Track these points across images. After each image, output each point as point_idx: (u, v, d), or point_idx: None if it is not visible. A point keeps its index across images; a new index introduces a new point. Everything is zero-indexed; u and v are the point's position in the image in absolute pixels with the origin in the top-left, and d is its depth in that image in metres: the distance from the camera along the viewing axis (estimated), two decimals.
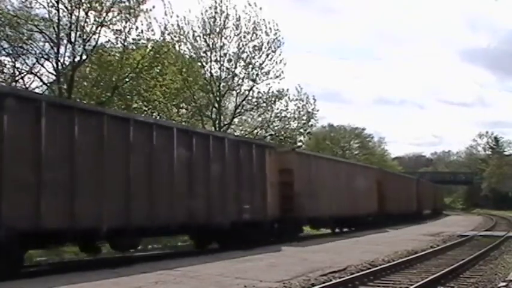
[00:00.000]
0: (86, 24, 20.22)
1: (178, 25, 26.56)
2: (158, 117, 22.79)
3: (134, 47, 22.32)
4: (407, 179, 43.99)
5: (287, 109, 30.98)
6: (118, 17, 20.76)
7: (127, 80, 21.92)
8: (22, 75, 22.00)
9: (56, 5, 19.69)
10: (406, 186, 40.06)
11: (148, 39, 22.29)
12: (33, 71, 21.79)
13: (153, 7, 21.68)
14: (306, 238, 20.42)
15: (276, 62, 28.47)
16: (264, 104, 30.31)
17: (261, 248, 15.18)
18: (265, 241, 16.52)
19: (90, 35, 20.50)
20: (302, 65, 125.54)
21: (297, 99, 31.42)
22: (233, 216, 15.18)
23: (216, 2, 27.01)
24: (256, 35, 27.74)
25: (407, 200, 38.66)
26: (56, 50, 20.38)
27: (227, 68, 28.03)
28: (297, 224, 20.21)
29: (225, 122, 29.79)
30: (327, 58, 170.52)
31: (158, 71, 23.41)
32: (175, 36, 26.00)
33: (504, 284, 9.18)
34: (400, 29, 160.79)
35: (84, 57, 20.81)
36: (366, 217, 27.58)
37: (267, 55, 28.23)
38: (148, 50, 22.55)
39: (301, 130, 32.28)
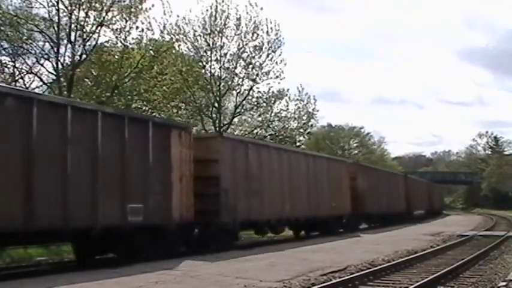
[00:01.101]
0: (85, 24, 20.25)
1: (177, 24, 26.61)
2: (158, 117, 22.78)
3: (134, 47, 22.33)
4: (393, 175, 39.03)
5: (287, 109, 31.05)
6: (118, 17, 20.78)
7: (127, 79, 21.92)
8: (22, 75, 22.05)
9: (56, 4, 19.72)
10: (391, 183, 34.94)
11: (148, 39, 22.35)
12: (33, 71, 21.85)
13: (153, 5, 21.71)
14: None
15: (276, 62, 28.48)
16: (264, 104, 30.33)
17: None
18: (167, 252, 12.74)
19: (90, 34, 20.54)
20: (301, 65, 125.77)
21: (297, 99, 31.49)
22: (110, 218, 11.22)
23: (216, 2, 27.05)
24: (257, 34, 27.77)
25: (392, 198, 33.84)
26: (56, 50, 20.41)
27: (227, 68, 28.04)
28: (227, 230, 15.35)
29: (225, 122, 29.79)
30: (326, 58, 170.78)
31: (158, 70, 23.41)
32: (174, 36, 26.04)
33: (504, 283, 9.18)
34: (399, 29, 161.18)
35: (84, 56, 20.82)
36: (337, 218, 23.49)
37: (268, 55, 28.25)
38: (148, 49, 22.57)
39: (301, 130, 32.33)
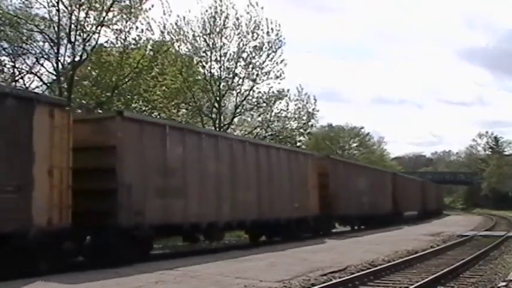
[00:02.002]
0: (86, 24, 20.27)
1: (177, 25, 26.61)
2: (158, 117, 22.81)
3: (134, 47, 22.34)
4: (378, 172, 34.34)
5: (287, 109, 31.08)
6: (118, 17, 20.80)
7: (127, 80, 21.93)
8: (22, 75, 22.06)
9: (56, 4, 19.74)
10: (376, 181, 30.96)
11: (148, 39, 22.37)
12: (33, 71, 21.86)
13: (152, 6, 21.73)
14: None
15: (277, 63, 28.54)
16: (264, 104, 30.35)
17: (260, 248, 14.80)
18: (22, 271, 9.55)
19: (90, 34, 20.56)
20: (301, 65, 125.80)
21: (297, 99, 31.52)
22: None
23: (216, 2, 27.06)
24: (257, 34, 27.79)
25: (376, 198, 30.07)
26: (56, 50, 20.43)
27: (227, 68, 28.06)
28: (133, 237, 11.92)
29: (225, 122, 29.79)
30: (326, 58, 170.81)
31: (158, 70, 23.43)
32: (174, 36, 26.05)
33: (504, 283, 9.18)
34: (399, 29, 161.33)
35: (84, 57, 20.83)
36: (301, 221, 19.88)
37: (268, 55, 28.29)
38: (148, 49, 22.59)
39: (301, 130, 32.33)
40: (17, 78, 21.83)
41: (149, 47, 22.82)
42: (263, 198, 17.40)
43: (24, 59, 21.56)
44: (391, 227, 28.07)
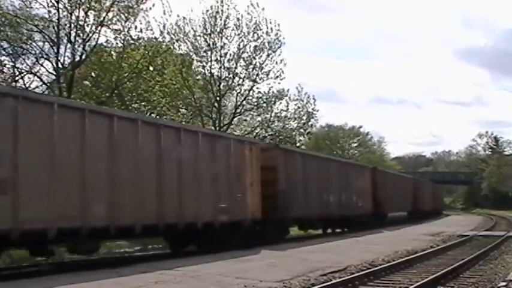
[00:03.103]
0: (85, 24, 20.27)
1: (177, 24, 26.64)
2: (158, 117, 22.78)
3: (133, 47, 22.34)
4: (351, 167, 28.57)
5: (287, 109, 31.08)
6: (118, 17, 20.80)
7: (126, 80, 21.92)
8: (22, 75, 22.05)
9: (55, 4, 19.75)
10: (348, 177, 25.60)
11: (148, 39, 22.35)
12: (33, 71, 21.85)
13: (153, 5, 21.75)
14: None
15: (277, 62, 28.62)
16: (264, 104, 30.37)
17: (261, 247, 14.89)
18: None
19: (90, 34, 20.58)
20: (299, 65, 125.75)
21: (297, 99, 31.53)
22: None
23: (217, 2, 27.07)
24: (258, 35, 27.80)
25: (350, 197, 25.46)
26: (55, 50, 20.43)
27: (227, 68, 28.07)
28: None
29: (225, 122, 29.80)
30: (324, 57, 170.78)
31: (158, 70, 23.43)
32: (174, 36, 26.06)
33: (504, 283, 9.18)
34: (397, 28, 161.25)
35: (83, 57, 20.83)
36: (233, 226, 15.70)
37: (268, 55, 28.33)
38: (148, 49, 22.56)
39: (301, 130, 32.34)
40: (17, 78, 21.84)
41: (149, 47, 22.77)
42: (166, 194, 13.00)
43: (24, 59, 21.58)
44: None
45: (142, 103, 23.83)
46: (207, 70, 27.99)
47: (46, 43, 20.71)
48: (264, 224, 17.30)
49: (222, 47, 27.65)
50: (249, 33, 27.70)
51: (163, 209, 12.85)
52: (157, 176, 12.79)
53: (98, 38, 20.92)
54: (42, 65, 21.79)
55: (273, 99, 30.33)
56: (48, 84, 22.23)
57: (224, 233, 15.32)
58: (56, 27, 20.07)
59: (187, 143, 13.98)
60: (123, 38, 21.30)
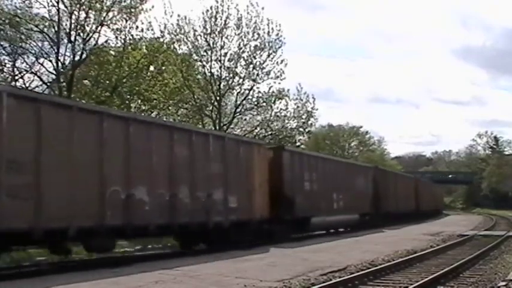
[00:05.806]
0: (86, 24, 20.25)
1: (178, 24, 26.63)
2: (158, 117, 22.79)
3: (134, 46, 22.33)
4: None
5: (287, 108, 31.04)
6: (118, 16, 20.78)
7: (126, 79, 21.91)
8: (22, 74, 22.04)
9: (56, 4, 19.73)
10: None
11: (149, 39, 22.35)
12: (33, 70, 21.83)
13: (153, 6, 21.74)
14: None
15: (277, 62, 28.54)
16: (264, 104, 30.33)
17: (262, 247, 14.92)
18: None
19: (90, 34, 20.55)
20: (297, 64, 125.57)
21: (297, 99, 31.51)
22: None
23: (217, 2, 27.05)
24: (258, 34, 27.79)
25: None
26: (56, 49, 20.41)
27: (228, 67, 28.05)
28: None
29: (225, 122, 29.78)
30: (321, 57, 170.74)
31: (158, 70, 23.42)
32: (175, 36, 26.05)
33: (504, 283, 9.18)
34: (395, 28, 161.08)
35: (84, 56, 20.81)
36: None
37: (268, 55, 28.29)
38: (148, 49, 22.56)
39: (301, 129, 32.31)
40: (16, 77, 21.83)
41: (150, 46, 22.77)
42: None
43: (24, 59, 21.56)
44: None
45: (143, 102, 23.80)
46: (207, 70, 28.00)
47: (46, 42, 20.72)
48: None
49: (222, 47, 27.63)
50: (249, 32, 27.70)
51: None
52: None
53: (98, 38, 20.93)
54: (42, 65, 21.80)
55: (273, 99, 30.31)
56: (48, 84, 22.22)
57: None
58: (56, 27, 20.05)
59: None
60: (123, 37, 21.30)
